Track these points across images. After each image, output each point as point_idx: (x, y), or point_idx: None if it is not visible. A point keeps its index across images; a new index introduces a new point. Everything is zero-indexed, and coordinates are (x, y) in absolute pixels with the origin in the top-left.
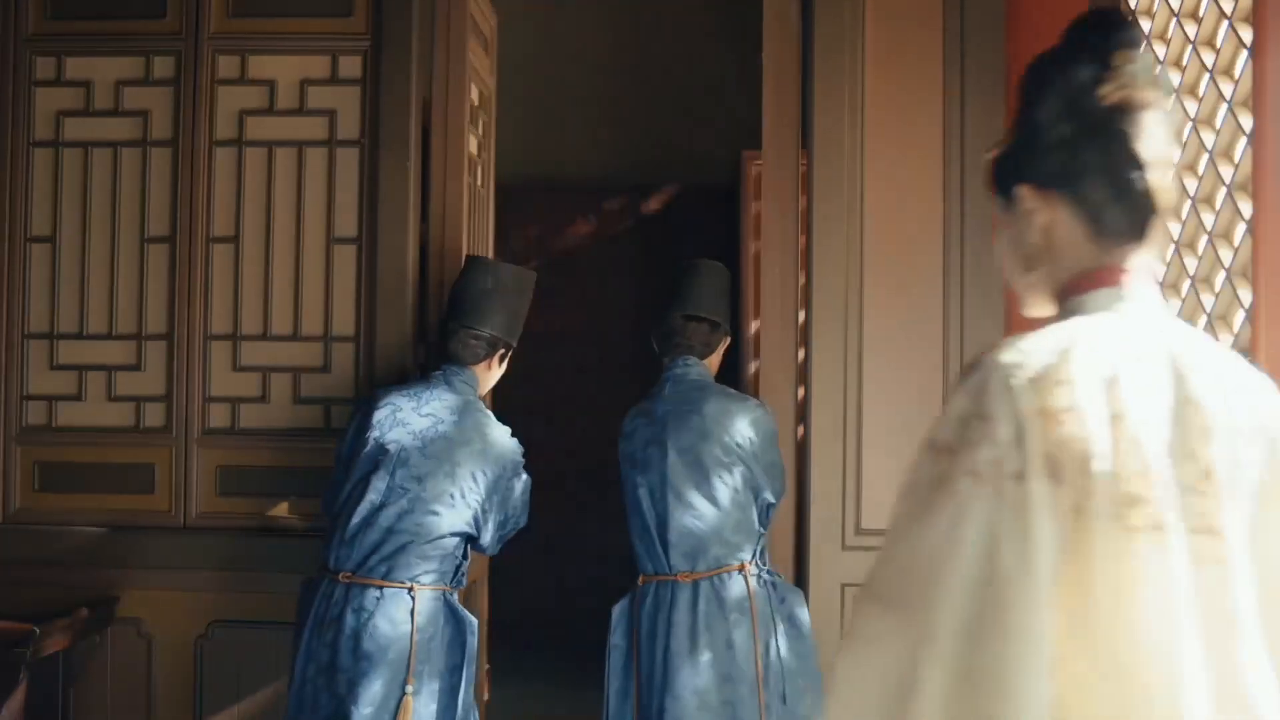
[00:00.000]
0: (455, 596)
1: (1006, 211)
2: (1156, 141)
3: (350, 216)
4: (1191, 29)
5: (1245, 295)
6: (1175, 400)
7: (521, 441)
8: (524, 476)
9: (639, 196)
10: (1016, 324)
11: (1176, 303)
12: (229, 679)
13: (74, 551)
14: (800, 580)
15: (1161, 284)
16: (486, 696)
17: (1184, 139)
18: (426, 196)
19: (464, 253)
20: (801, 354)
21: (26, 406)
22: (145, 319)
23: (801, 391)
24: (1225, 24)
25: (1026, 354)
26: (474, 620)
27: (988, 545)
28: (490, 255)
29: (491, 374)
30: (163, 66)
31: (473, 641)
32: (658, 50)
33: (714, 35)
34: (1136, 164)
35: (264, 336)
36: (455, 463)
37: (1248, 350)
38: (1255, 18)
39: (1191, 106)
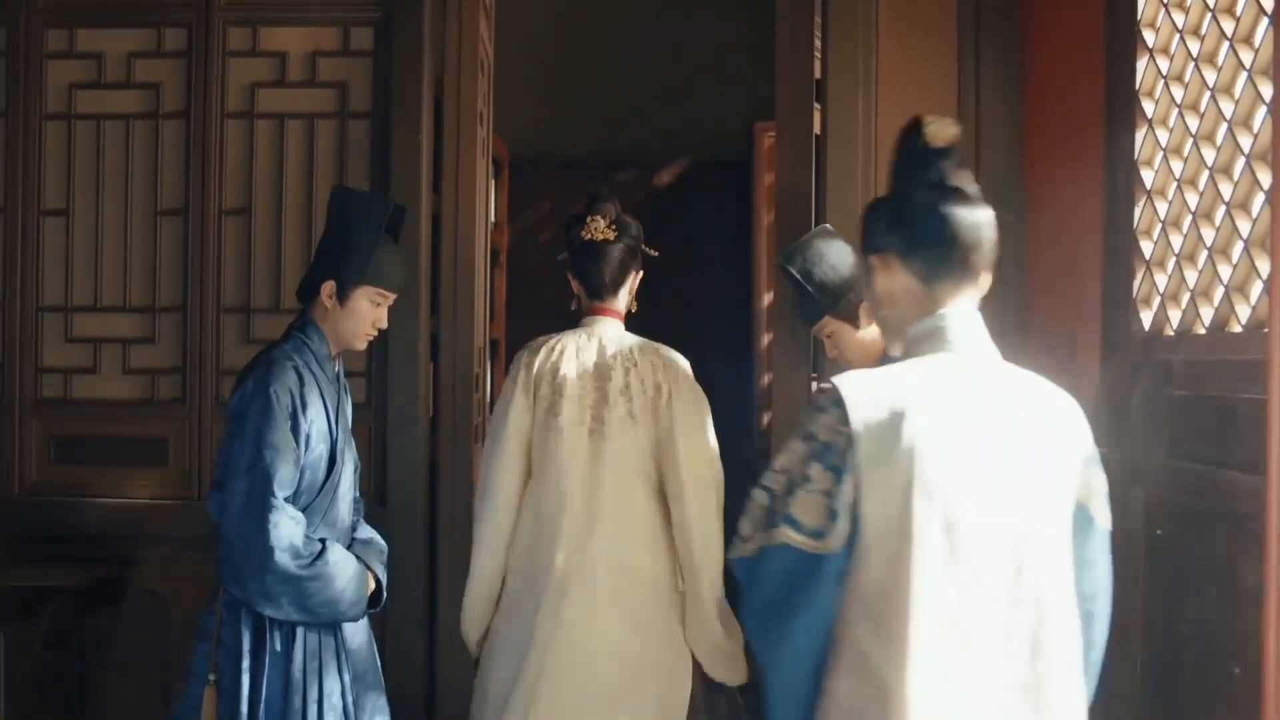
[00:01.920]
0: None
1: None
2: (609, 258)
3: (362, 188)
4: None
5: (1263, 266)
6: (597, 366)
7: None
8: (241, 436)
9: (651, 170)
10: (1032, 286)
11: (1193, 274)
12: None
13: (89, 524)
14: None
15: (1178, 255)
16: None
17: (1202, 108)
18: (439, 169)
19: (477, 224)
20: None
21: (41, 379)
22: (159, 292)
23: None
24: None
25: (539, 342)
26: (245, 612)
27: (502, 414)
28: (500, 228)
29: (331, 315)
30: (174, 38)
31: (273, 638)
32: (668, 22)
33: (724, 7)
34: (596, 266)
35: (276, 309)
36: None
37: (1265, 321)
38: None
39: (1210, 75)
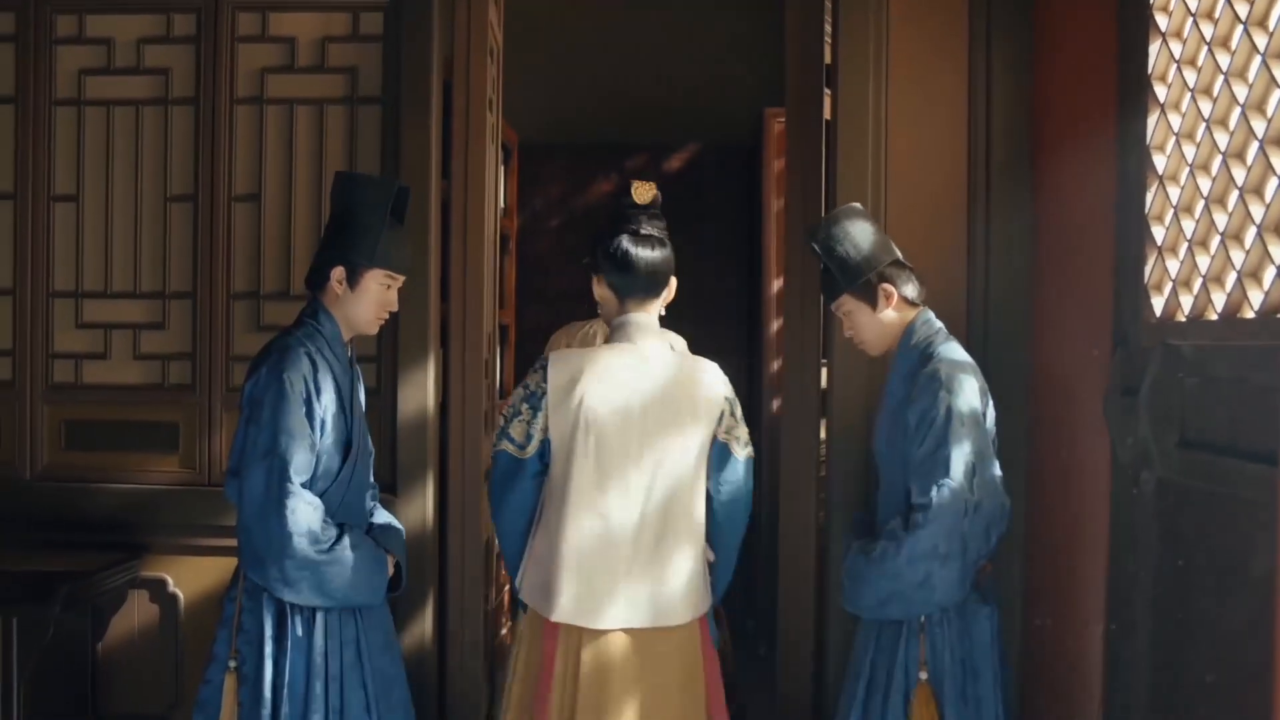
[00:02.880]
0: (256, 573)
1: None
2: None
3: (372, 174)
4: None
5: (1276, 251)
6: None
7: None
8: (257, 422)
9: (660, 156)
10: (1043, 272)
11: (1206, 260)
12: None
13: (100, 509)
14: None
15: (1190, 240)
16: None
17: (1215, 92)
18: (448, 155)
19: (487, 210)
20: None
21: (53, 365)
22: (169, 278)
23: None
24: None
25: (574, 326)
26: (267, 599)
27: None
28: (509, 214)
29: (343, 300)
30: (183, 24)
31: (294, 623)
32: (678, 7)
33: None
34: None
35: (286, 295)
36: None
37: (1278, 307)
38: None
39: (1224, 59)
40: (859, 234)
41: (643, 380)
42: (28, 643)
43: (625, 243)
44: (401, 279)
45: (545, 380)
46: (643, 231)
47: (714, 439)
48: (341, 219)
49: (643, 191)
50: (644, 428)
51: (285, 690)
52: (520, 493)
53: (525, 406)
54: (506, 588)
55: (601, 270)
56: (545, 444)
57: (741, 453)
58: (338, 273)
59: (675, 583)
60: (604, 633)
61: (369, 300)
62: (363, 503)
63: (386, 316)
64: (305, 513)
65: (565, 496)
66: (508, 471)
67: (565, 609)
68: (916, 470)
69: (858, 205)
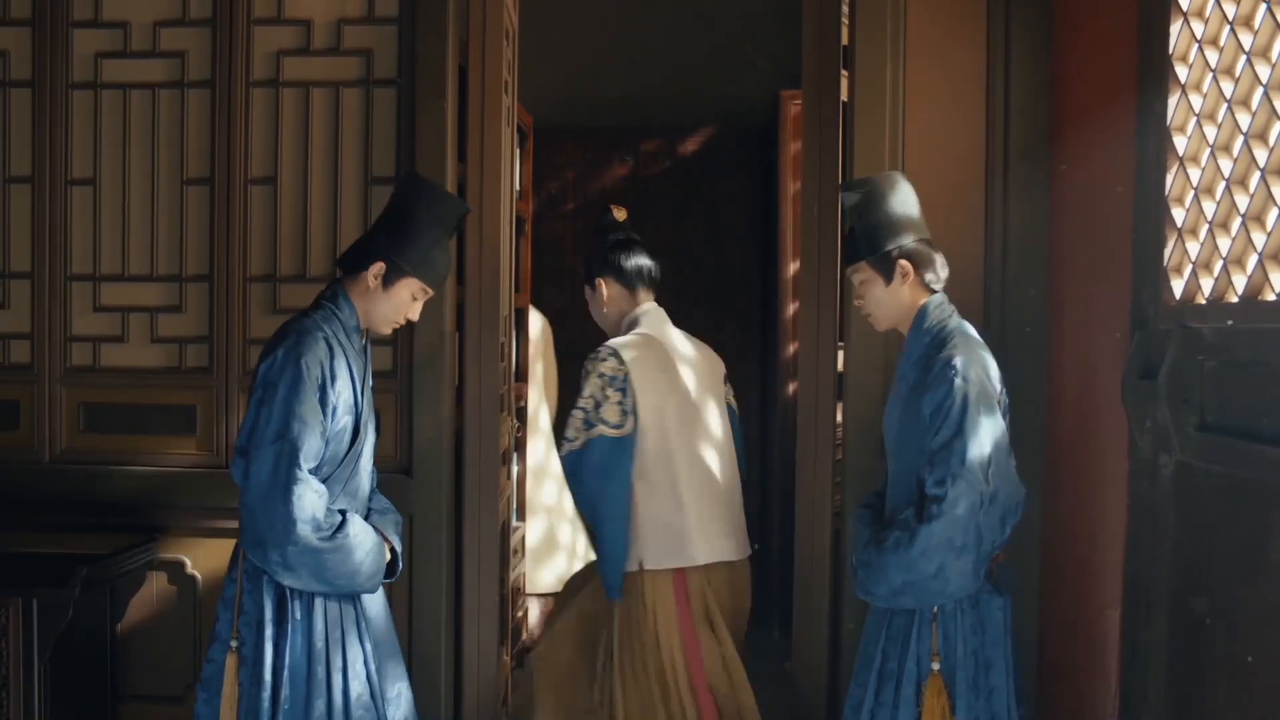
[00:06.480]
0: (256, 555)
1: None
2: (637, 257)
3: (387, 157)
4: None
5: None
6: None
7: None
8: (270, 405)
9: (676, 138)
10: (1061, 254)
11: (1226, 242)
12: None
13: (118, 491)
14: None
15: (1211, 222)
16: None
17: (1238, 72)
18: (464, 137)
19: (503, 193)
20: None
21: (71, 348)
22: (185, 261)
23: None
24: None
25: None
26: (267, 581)
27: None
28: (525, 197)
29: (371, 295)
30: (199, 7)
31: (293, 607)
32: None
33: None
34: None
35: (302, 278)
36: None
37: None
38: None
39: (1246, 38)
40: (895, 204)
41: (688, 350)
42: (48, 624)
43: (626, 245)
44: (431, 294)
45: (622, 364)
46: (633, 238)
47: (726, 400)
48: (398, 217)
49: (620, 212)
50: (699, 391)
51: (286, 674)
52: (623, 470)
53: (611, 391)
54: (519, 571)
55: (609, 273)
56: (637, 421)
57: (735, 408)
58: (377, 268)
59: (743, 520)
60: (712, 565)
61: (395, 304)
62: (366, 488)
63: (402, 323)
64: (311, 500)
65: (672, 460)
66: (609, 453)
67: (704, 552)
68: (931, 459)
69: (901, 174)
